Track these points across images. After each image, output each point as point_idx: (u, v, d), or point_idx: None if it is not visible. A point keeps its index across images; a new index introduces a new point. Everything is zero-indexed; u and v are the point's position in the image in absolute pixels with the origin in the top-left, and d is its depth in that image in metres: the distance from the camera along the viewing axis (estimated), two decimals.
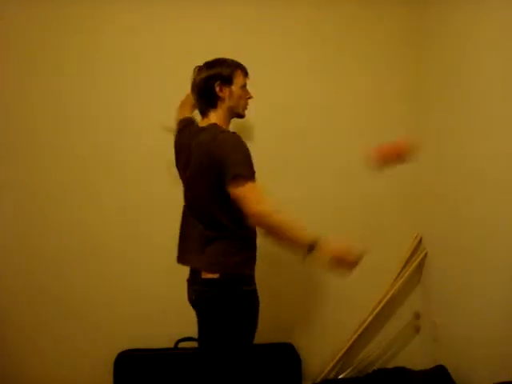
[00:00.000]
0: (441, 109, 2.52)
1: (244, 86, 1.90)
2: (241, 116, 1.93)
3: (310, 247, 1.65)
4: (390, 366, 2.61)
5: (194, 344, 1.92)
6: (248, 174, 1.69)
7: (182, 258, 1.92)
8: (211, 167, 1.73)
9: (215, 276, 1.75)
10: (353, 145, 2.67)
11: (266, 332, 2.53)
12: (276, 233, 1.68)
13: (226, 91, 1.85)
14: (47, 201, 2.49)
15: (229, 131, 1.82)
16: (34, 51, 2.48)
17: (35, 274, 2.48)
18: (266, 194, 1.68)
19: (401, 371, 2.41)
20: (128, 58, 2.53)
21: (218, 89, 1.83)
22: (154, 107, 2.51)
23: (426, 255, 2.66)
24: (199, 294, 1.79)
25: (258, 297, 1.83)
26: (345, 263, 1.66)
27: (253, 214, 1.65)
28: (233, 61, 1.89)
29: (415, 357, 2.67)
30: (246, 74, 1.91)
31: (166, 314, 2.51)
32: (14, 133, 2.48)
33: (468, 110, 2.27)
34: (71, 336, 2.50)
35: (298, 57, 2.64)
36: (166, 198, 2.37)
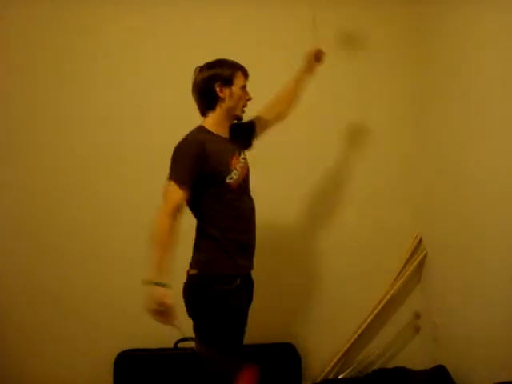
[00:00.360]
0: (441, 109, 2.51)
1: (244, 87, 1.92)
2: (239, 117, 1.95)
3: (148, 280, 1.65)
4: (390, 366, 2.61)
5: (194, 344, 1.91)
6: (172, 174, 1.76)
7: None
8: None
9: (194, 272, 1.83)
10: (351, 144, 2.67)
11: (266, 332, 2.55)
12: (152, 235, 1.69)
13: (227, 92, 1.87)
14: (47, 201, 2.49)
15: (192, 134, 1.85)
16: (34, 51, 2.48)
17: (35, 274, 2.48)
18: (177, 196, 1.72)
19: (401, 371, 2.41)
20: (128, 58, 2.53)
21: (218, 89, 1.85)
22: (153, 107, 2.51)
23: (425, 255, 2.66)
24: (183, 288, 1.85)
25: (237, 296, 1.83)
26: (155, 313, 1.65)
27: (158, 209, 1.71)
28: (233, 62, 1.90)
29: (415, 357, 2.67)
30: (246, 75, 1.93)
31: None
32: (15, 133, 2.48)
33: (468, 110, 2.27)
34: (71, 336, 2.51)
35: (297, 56, 2.64)
36: None
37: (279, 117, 2.17)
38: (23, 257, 2.48)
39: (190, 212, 1.89)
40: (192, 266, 1.85)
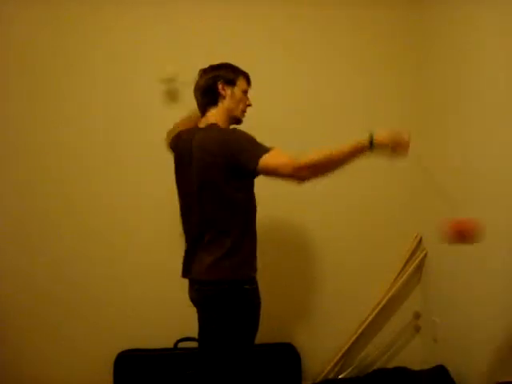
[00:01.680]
0: (441, 109, 2.51)
1: (245, 92, 1.93)
2: (238, 120, 1.94)
3: (371, 146, 1.67)
4: (390, 366, 2.61)
5: (194, 344, 1.92)
6: (266, 149, 1.71)
7: None
8: (220, 167, 1.73)
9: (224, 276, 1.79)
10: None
11: (266, 332, 2.54)
12: (331, 165, 1.71)
13: (228, 90, 1.87)
14: (47, 201, 2.49)
15: (234, 129, 1.81)
16: (33, 51, 2.48)
17: (35, 274, 2.48)
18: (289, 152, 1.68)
19: (401, 371, 2.41)
20: (128, 58, 2.53)
21: (220, 86, 1.86)
22: (153, 107, 2.51)
23: (425, 255, 2.66)
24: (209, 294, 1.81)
25: (258, 295, 1.85)
26: (401, 145, 1.70)
27: (294, 172, 1.66)
28: (238, 67, 1.93)
29: (415, 357, 2.67)
30: (248, 81, 1.95)
31: (166, 314, 2.51)
32: (14, 133, 2.48)
33: (468, 110, 2.27)
34: (71, 336, 2.50)
35: (297, 57, 2.65)
36: (167, 199, 2.37)
37: None
38: (23, 257, 2.47)
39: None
40: (220, 269, 1.77)
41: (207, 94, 1.88)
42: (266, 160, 1.68)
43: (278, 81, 2.62)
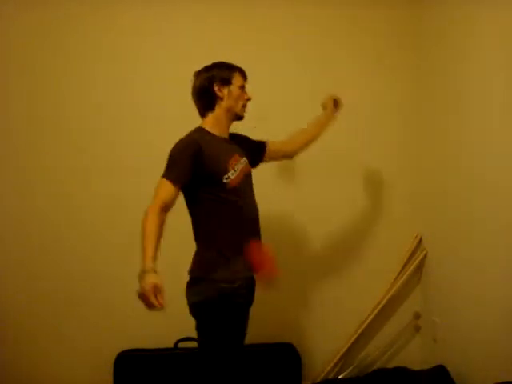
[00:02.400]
0: (441, 109, 2.51)
1: (242, 87, 1.93)
2: (239, 117, 1.96)
3: (142, 271, 1.69)
4: (390, 366, 2.61)
5: (194, 344, 1.92)
6: (165, 172, 1.78)
7: None
8: None
9: (196, 273, 1.87)
10: (352, 145, 2.67)
11: (266, 332, 2.55)
12: (141, 231, 1.74)
13: (225, 91, 1.89)
14: (47, 200, 2.49)
15: (189, 134, 1.86)
16: (33, 50, 2.48)
17: (35, 274, 2.48)
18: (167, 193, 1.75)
19: (401, 371, 2.41)
20: (128, 58, 2.53)
21: (216, 88, 1.88)
22: (153, 107, 2.51)
23: (425, 255, 2.66)
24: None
25: (239, 295, 1.84)
26: (145, 301, 1.69)
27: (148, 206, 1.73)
28: (231, 64, 1.93)
29: (415, 357, 2.67)
30: (244, 76, 1.95)
31: (166, 314, 2.50)
32: (14, 132, 2.48)
33: (468, 111, 2.27)
34: (71, 336, 2.51)
35: (296, 57, 2.65)
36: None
37: (289, 155, 2.25)
38: (23, 257, 2.48)
39: (187, 213, 1.89)
40: (193, 266, 1.85)
41: (204, 97, 1.90)
42: (158, 183, 1.77)
43: (277, 80, 2.62)
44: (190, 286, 1.84)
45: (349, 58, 2.68)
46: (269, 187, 2.42)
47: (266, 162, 2.16)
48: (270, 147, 2.14)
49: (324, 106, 2.27)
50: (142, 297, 1.65)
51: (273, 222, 2.60)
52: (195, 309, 1.83)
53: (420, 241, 2.70)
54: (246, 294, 1.86)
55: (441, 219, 2.54)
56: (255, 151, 2.09)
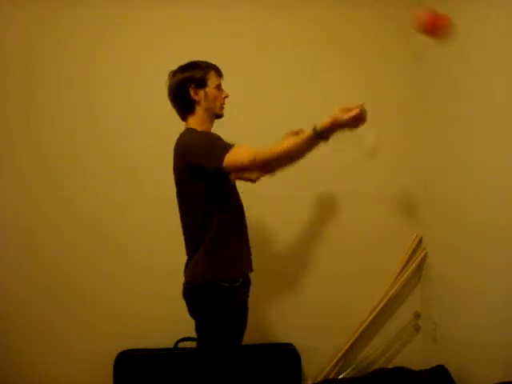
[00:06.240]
0: (441, 109, 2.51)
1: (219, 86, 1.91)
2: (219, 116, 1.93)
3: (319, 135, 1.62)
4: (390, 365, 2.60)
5: (194, 344, 1.91)
6: (226, 146, 1.70)
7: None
8: (185, 168, 1.79)
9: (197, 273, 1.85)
10: (351, 145, 2.67)
11: (266, 332, 2.55)
12: (285, 157, 1.68)
13: (201, 94, 1.86)
14: (48, 201, 2.50)
15: (191, 131, 1.84)
16: (32, 50, 2.48)
17: (35, 274, 2.48)
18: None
19: (401, 371, 2.41)
20: (128, 58, 2.53)
21: (192, 92, 1.86)
22: (154, 107, 2.51)
23: (426, 255, 2.66)
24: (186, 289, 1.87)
25: (240, 293, 1.84)
26: (355, 118, 1.61)
27: (253, 164, 1.66)
28: (206, 63, 1.90)
29: (415, 357, 2.67)
30: (219, 74, 1.92)
31: (166, 314, 2.51)
32: (14, 132, 2.48)
33: (468, 111, 2.26)
34: (71, 336, 2.51)
35: (295, 57, 2.65)
36: (167, 198, 2.37)
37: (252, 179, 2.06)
38: (23, 257, 2.48)
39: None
40: (194, 266, 1.83)
41: (181, 101, 1.88)
42: (230, 156, 1.67)
43: (277, 80, 2.62)
44: (198, 290, 1.80)
45: (348, 57, 2.68)
46: (270, 188, 2.42)
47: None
48: None
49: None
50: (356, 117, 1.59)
51: (272, 223, 2.61)
52: (200, 311, 1.81)
53: (420, 241, 2.70)
54: (246, 291, 1.89)
55: (441, 219, 2.54)
56: None
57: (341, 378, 2.58)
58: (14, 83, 2.48)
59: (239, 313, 1.84)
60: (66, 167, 2.50)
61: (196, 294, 1.81)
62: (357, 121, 1.62)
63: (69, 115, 2.51)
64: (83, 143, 2.51)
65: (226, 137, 1.79)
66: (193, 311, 1.84)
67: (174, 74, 1.90)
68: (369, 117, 2.43)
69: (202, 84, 1.86)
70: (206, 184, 1.77)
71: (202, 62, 1.90)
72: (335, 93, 2.67)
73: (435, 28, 1.71)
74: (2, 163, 2.47)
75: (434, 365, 2.39)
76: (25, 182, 2.48)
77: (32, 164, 2.49)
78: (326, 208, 2.67)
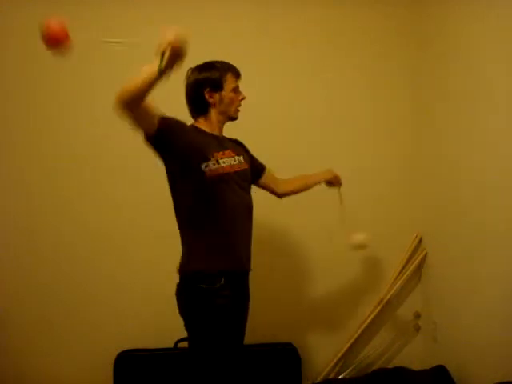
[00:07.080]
0: (441, 109, 2.51)
1: (236, 89, 1.88)
2: (233, 118, 1.92)
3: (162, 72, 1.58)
4: (390, 365, 2.60)
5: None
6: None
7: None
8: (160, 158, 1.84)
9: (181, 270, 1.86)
10: (351, 145, 2.67)
11: (266, 332, 2.55)
12: (136, 90, 1.68)
13: (216, 97, 1.84)
14: (48, 201, 2.49)
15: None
16: (34, 51, 2.48)
17: (35, 274, 2.48)
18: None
19: (401, 371, 2.41)
20: (128, 58, 2.53)
21: (207, 96, 1.84)
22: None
23: (426, 255, 2.66)
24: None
25: (221, 296, 1.77)
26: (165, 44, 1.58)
27: (123, 94, 1.69)
28: (223, 64, 1.87)
29: (415, 357, 2.67)
30: (237, 75, 1.89)
31: (166, 314, 2.50)
32: (14, 132, 2.48)
33: (468, 111, 2.27)
34: (71, 336, 2.50)
35: (295, 57, 2.65)
36: (167, 198, 2.37)
37: (277, 194, 2.19)
38: (23, 257, 2.47)
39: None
40: (180, 264, 1.84)
41: (195, 103, 1.87)
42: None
43: (277, 80, 2.62)
44: (180, 287, 1.83)
45: (347, 57, 2.68)
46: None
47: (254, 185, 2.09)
48: (265, 176, 2.11)
49: (324, 176, 2.30)
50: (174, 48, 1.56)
51: (272, 223, 2.61)
52: (181, 310, 1.82)
53: (420, 241, 2.70)
54: (233, 294, 1.78)
55: (441, 219, 2.54)
56: (253, 171, 2.02)
57: (341, 378, 2.58)
58: (14, 83, 2.48)
59: (220, 315, 1.75)
60: (65, 167, 2.50)
61: (178, 292, 1.81)
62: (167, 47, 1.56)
63: (69, 115, 2.51)
64: (83, 143, 2.51)
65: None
66: (179, 309, 1.83)
67: (192, 71, 1.87)
68: (369, 117, 2.44)
69: (217, 87, 1.83)
70: (175, 174, 1.79)
71: (219, 62, 1.86)
72: (335, 93, 2.68)
73: (58, 41, 1.70)
74: (1, 163, 2.47)
75: (434, 365, 2.40)
76: (25, 181, 2.48)
77: (32, 164, 2.49)
78: (325, 209, 2.66)
